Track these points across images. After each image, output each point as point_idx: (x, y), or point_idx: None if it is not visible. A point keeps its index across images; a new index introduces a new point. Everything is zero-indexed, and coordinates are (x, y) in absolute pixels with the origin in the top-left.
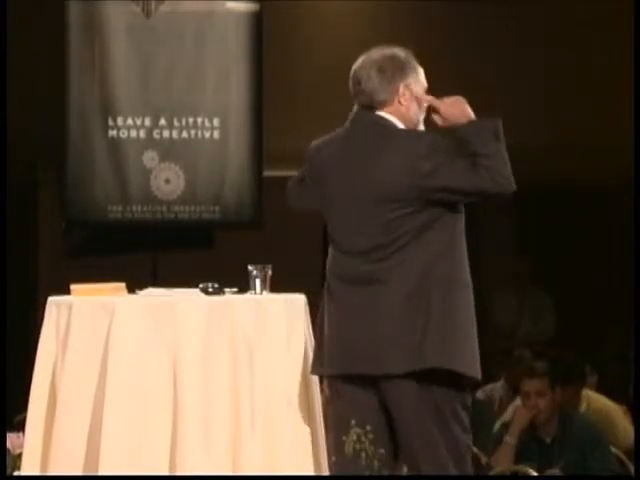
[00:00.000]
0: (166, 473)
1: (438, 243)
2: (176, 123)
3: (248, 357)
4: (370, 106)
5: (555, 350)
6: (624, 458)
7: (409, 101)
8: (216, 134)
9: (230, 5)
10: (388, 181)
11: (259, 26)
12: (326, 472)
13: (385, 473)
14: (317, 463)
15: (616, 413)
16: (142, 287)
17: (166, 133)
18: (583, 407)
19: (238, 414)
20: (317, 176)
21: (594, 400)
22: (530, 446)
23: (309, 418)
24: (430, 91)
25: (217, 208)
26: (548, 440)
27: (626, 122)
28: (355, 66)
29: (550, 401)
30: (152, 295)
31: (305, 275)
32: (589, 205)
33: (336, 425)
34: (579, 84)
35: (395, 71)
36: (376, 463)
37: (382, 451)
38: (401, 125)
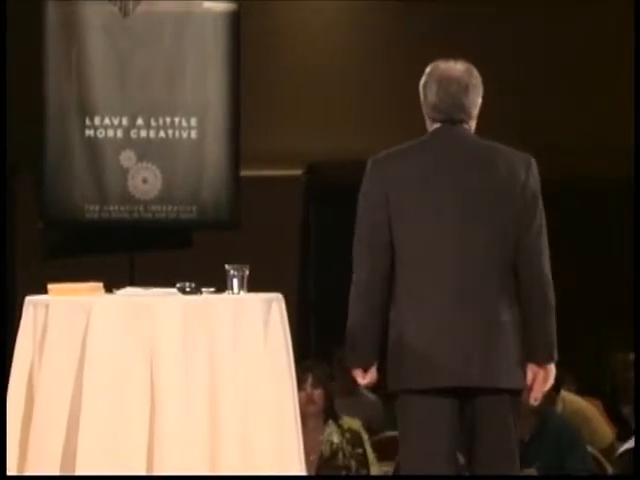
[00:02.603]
0: (143, 472)
1: None
2: (153, 123)
3: (225, 356)
4: (454, 119)
5: None
6: (601, 458)
7: (477, 115)
8: (193, 134)
9: (208, 5)
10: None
11: (237, 26)
12: (304, 471)
13: (363, 473)
14: (295, 462)
15: (592, 413)
16: (119, 287)
17: (143, 133)
18: (560, 408)
19: (215, 413)
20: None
21: (570, 401)
22: None
23: (287, 417)
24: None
25: (194, 208)
26: (525, 439)
27: (626, 122)
28: (439, 80)
29: (526, 399)
30: (129, 295)
31: (282, 274)
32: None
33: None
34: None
35: (477, 86)
36: (353, 463)
37: (359, 451)
38: None
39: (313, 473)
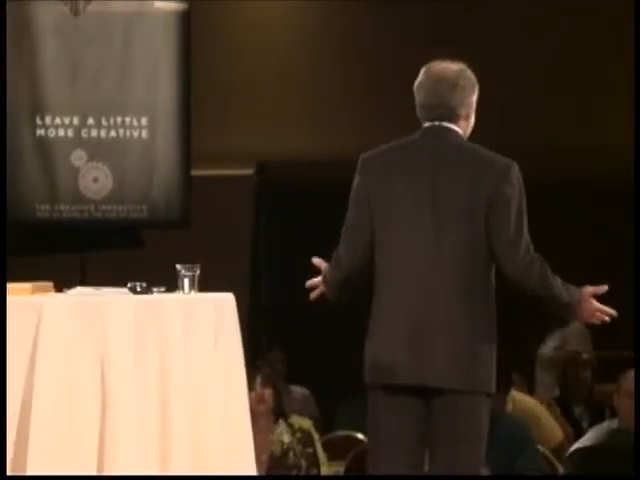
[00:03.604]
0: (94, 472)
1: None
2: (104, 122)
3: (176, 356)
4: (441, 119)
5: None
6: (551, 457)
7: (471, 116)
8: (144, 133)
9: (158, 5)
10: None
11: (187, 26)
12: (255, 471)
13: (313, 472)
14: (246, 462)
15: (541, 412)
16: (70, 286)
17: (94, 132)
18: (509, 407)
19: (166, 413)
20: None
21: (519, 400)
22: None
23: (238, 417)
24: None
25: (145, 207)
26: None
27: (626, 122)
28: (428, 80)
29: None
30: (80, 294)
31: (233, 274)
32: None
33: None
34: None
35: (468, 86)
36: (304, 462)
37: (310, 450)
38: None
39: (264, 473)
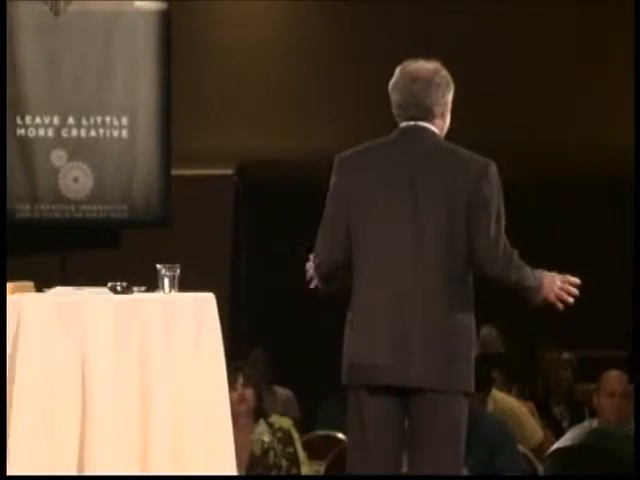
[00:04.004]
0: (74, 472)
1: None
2: (84, 122)
3: (157, 356)
4: (418, 119)
5: None
6: (531, 457)
7: (447, 115)
8: (124, 133)
9: (139, 4)
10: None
11: (167, 25)
12: (234, 471)
13: (293, 472)
14: (226, 461)
15: (522, 412)
16: (50, 286)
17: (74, 132)
18: (490, 407)
19: (147, 413)
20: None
21: (500, 400)
22: None
23: (218, 417)
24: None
25: (125, 207)
26: None
27: (626, 122)
28: (403, 79)
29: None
30: (60, 294)
31: (213, 274)
32: None
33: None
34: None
35: (442, 84)
36: (284, 462)
37: (290, 450)
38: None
39: (244, 472)
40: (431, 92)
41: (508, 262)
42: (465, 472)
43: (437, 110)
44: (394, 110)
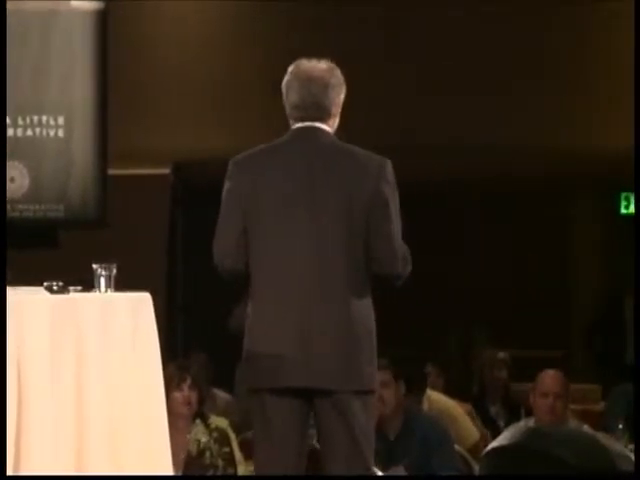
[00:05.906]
0: (11, 472)
1: None
2: (20, 121)
3: (93, 356)
4: (314, 119)
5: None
6: (467, 456)
7: (338, 115)
8: (61, 132)
9: (75, 4)
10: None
11: (104, 25)
12: (171, 471)
13: (230, 472)
14: (163, 461)
15: (458, 412)
16: None
17: (10, 131)
18: (425, 406)
19: (82, 413)
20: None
21: (435, 400)
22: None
23: (155, 417)
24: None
25: (62, 206)
26: (392, 437)
27: (626, 122)
28: (299, 79)
29: (395, 393)
30: None
31: (150, 274)
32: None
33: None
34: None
35: (338, 85)
36: (220, 461)
37: (226, 450)
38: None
39: (180, 472)
40: (328, 92)
41: (406, 260)
42: (402, 472)
43: (334, 110)
44: (289, 110)
